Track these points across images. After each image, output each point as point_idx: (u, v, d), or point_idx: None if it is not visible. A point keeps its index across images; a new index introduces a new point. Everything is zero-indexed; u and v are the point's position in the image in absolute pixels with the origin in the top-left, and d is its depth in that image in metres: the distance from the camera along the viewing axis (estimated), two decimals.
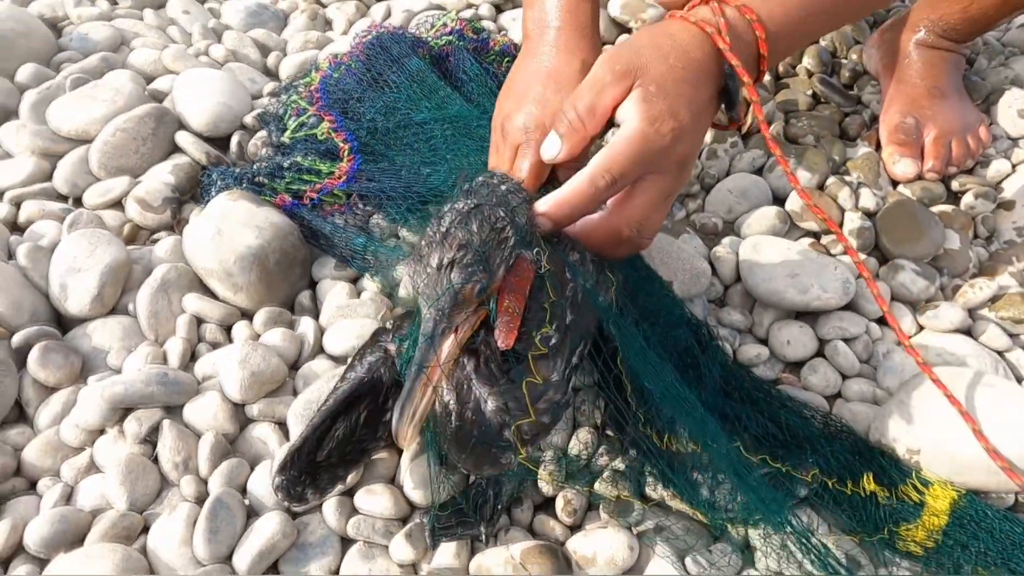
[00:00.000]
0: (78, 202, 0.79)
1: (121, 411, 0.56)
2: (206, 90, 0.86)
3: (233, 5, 1.09)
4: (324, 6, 1.12)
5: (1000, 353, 0.69)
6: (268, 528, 0.50)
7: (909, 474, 0.51)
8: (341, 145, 0.80)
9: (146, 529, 0.52)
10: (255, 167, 0.77)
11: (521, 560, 0.48)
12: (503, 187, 0.51)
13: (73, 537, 0.51)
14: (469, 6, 1.08)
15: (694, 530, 0.53)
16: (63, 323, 0.66)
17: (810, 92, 0.97)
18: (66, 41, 0.98)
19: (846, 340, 0.67)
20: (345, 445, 0.51)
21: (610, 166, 0.48)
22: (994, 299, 0.71)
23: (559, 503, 0.53)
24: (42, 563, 0.50)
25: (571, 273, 0.48)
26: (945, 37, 0.88)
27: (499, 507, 0.52)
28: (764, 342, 0.69)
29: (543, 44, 0.61)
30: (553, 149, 0.51)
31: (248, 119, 0.87)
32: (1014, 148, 0.88)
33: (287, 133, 0.83)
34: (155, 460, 0.55)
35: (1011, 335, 0.70)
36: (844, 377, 0.66)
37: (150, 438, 0.56)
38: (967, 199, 0.82)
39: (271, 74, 1.00)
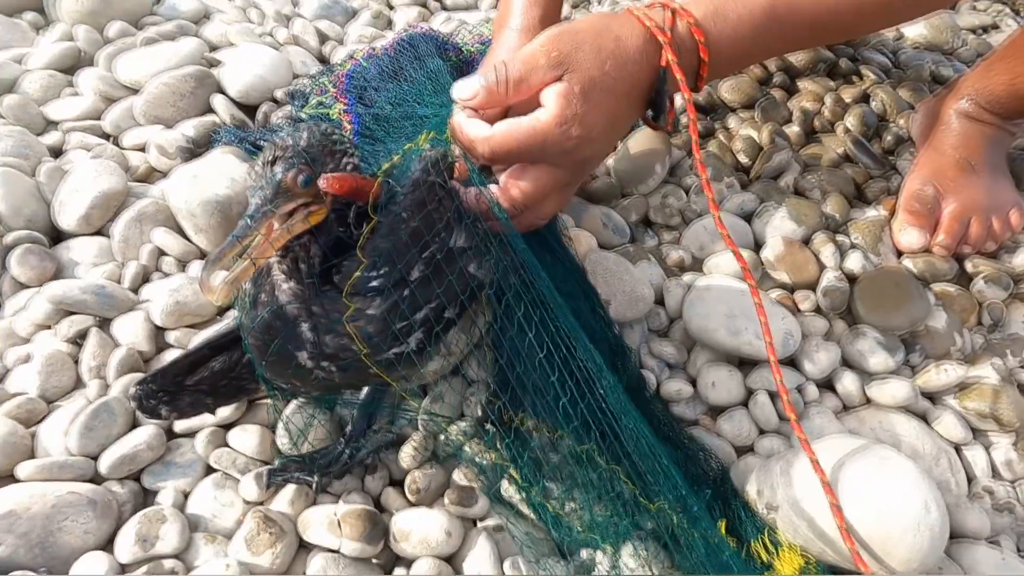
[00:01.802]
0: (116, 141, 0.88)
1: (64, 313, 0.63)
2: (250, 62, 0.94)
3: None
4: (392, 8, 1.20)
5: (957, 447, 0.62)
6: (137, 438, 0.54)
7: (762, 530, 0.48)
8: (346, 126, 0.85)
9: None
10: (261, 132, 0.83)
11: (340, 518, 0.49)
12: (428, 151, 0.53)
13: None
14: None
15: (538, 539, 0.52)
16: (59, 237, 0.74)
17: (841, 150, 0.93)
18: (159, 8, 1.11)
19: (772, 394, 0.63)
20: (220, 378, 0.54)
21: (498, 146, 0.49)
22: (964, 387, 0.64)
23: (407, 480, 0.54)
24: None
25: (441, 235, 0.49)
26: (989, 110, 0.81)
27: (347, 467, 0.53)
28: (694, 383, 0.66)
29: (501, 34, 0.64)
30: (468, 91, 0.52)
31: (279, 93, 0.94)
32: None
33: (305, 108, 0.90)
34: (77, 362, 0.61)
35: (974, 429, 0.63)
36: (761, 432, 0.62)
37: (78, 341, 0.61)
38: (978, 283, 0.75)
39: (324, 61, 1.08)
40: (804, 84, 1.02)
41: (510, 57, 0.51)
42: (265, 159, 0.46)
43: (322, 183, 0.45)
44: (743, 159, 0.88)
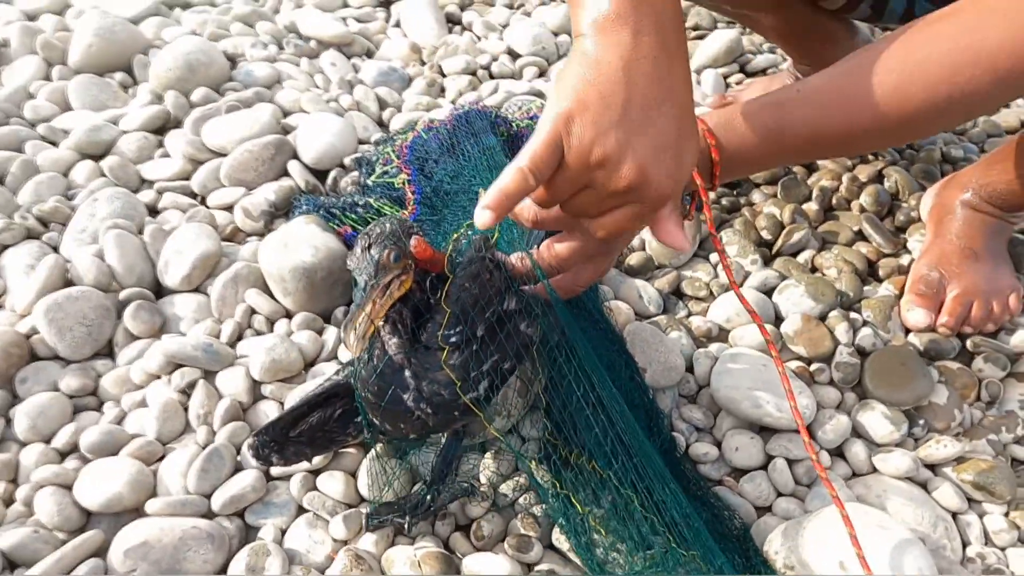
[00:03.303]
0: (203, 201, 0.99)
1: (174, 365, 0.73)
2: (321, 130, 1.05)
3: (371, 64, 1.30)
4: (444, 76, 1.31)
5: (954, 514, 0.70)
6: (244, 480, 0.63)
7: None
8: (409, 195, 0.96)
9: (164, 458, 0.67)
10: (335, 200, 0.94)
11: (420, 559, 0.58)
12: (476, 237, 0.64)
13: (112, 448, 0.67)
14: None
15: None
16: (161, 291, 0.84)
17: (856, 228, 1.01)
18: (236, 73, 1.23)
19: (791, 461, 0.71)
20: (317, 431, 0.63)
21: (539, 212, 0.58)
22: (961, 460, 0.72)
23: (473, 527, 0.62)
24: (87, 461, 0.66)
25: (495, 300, 0.59)
26: (990, 203, 0.90)
27: (431, 509, 0.62)
28: (719, 445, 0.74)
29: None
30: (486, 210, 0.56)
31: (347, 160, 1.05)
32: None
33: (372, 177, 1.00)
34: (186, 409, 0.71)
35: (969, 499, 0.71)
36: (779, 494, 0.70)
37: (187, 391, 0.71)
38: (978, 361, 0.83)
39: (383, 126, 1.19)
40: (823, 163, 1.12)
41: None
42: (363, 246, 0.59)
43: (413, 242, 0.58)
44: (766, 235, 0.97)
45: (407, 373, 0.56)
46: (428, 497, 0.62)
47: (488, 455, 0.67)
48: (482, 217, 0.49)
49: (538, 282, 0.65)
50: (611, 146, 0.49)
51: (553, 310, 0.63)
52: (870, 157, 1.15)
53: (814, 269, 0.95)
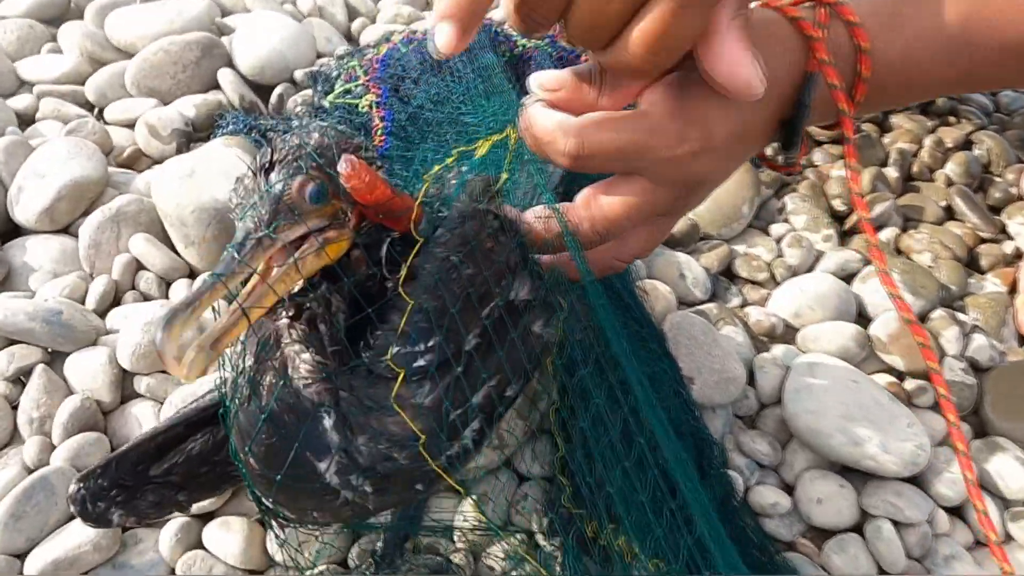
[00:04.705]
0: (101, 114, 0.74)
1: (4, 341, 0.49)
2: (266, 33, 0.80)
3: None
4: None
5: None
6: (78, 535, 0.40)
7: None
8: (376, 122, 0.71)
9: None
10: (274, 121, 0.69)
11: None
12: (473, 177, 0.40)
13: None
14: None
15: None
16: (14, 230, 0.60)
17: (944, 203, 0.80)
18: None
19: (897, 524, 0.50)
20: (199, 464, 0.40)
21: (589, 139, 0.35)
22: None
23: None
24: None
25: (493, 290, 0.35)
26: None
27: None
28: (790, 490, 0.53)
29: None
30: (553, 80, 0.39)
31: (299, 74, 0.80)
32: None
33: (330, 96, 0.76)
34: (15, 407, 0.47)
35: None
36: (881, 571, 0.49)
37: (22, 379, 0.48)
38: None
39: (352, 39, 0.94)
40: (899, 121, 0.89)
41: None
42: (259, 164, 0.33)
43: (346, 167, 0.31)
44: (839, 206, 0.75)
45: (327, 422, 0.32)
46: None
47: (468, 501, 0.45)
48: (441, 36, 0.28)
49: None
50: None
51: (583, 297, 0.41)
52: (950, 118, 0.93)
53: (899, 251, 0.73)
